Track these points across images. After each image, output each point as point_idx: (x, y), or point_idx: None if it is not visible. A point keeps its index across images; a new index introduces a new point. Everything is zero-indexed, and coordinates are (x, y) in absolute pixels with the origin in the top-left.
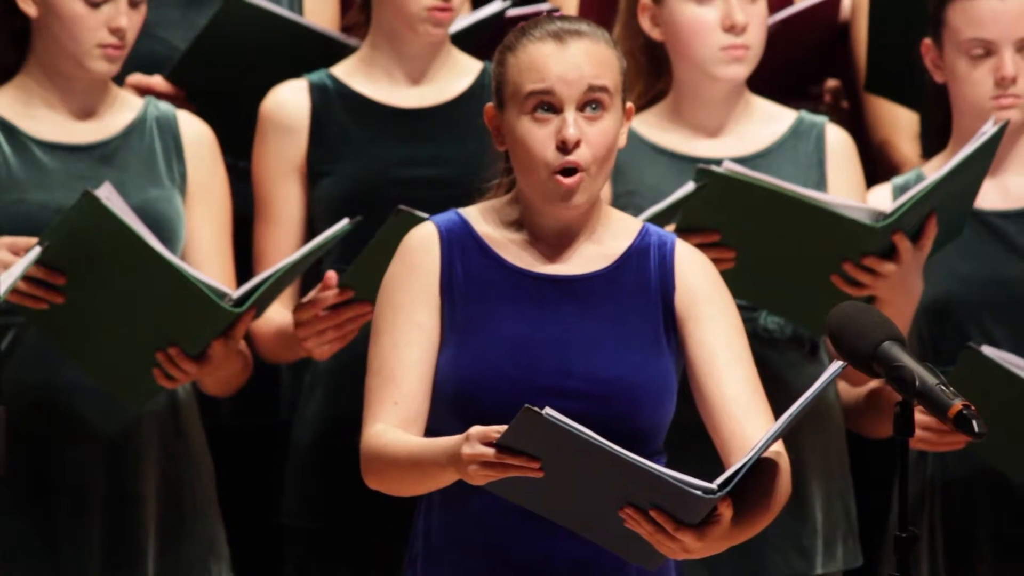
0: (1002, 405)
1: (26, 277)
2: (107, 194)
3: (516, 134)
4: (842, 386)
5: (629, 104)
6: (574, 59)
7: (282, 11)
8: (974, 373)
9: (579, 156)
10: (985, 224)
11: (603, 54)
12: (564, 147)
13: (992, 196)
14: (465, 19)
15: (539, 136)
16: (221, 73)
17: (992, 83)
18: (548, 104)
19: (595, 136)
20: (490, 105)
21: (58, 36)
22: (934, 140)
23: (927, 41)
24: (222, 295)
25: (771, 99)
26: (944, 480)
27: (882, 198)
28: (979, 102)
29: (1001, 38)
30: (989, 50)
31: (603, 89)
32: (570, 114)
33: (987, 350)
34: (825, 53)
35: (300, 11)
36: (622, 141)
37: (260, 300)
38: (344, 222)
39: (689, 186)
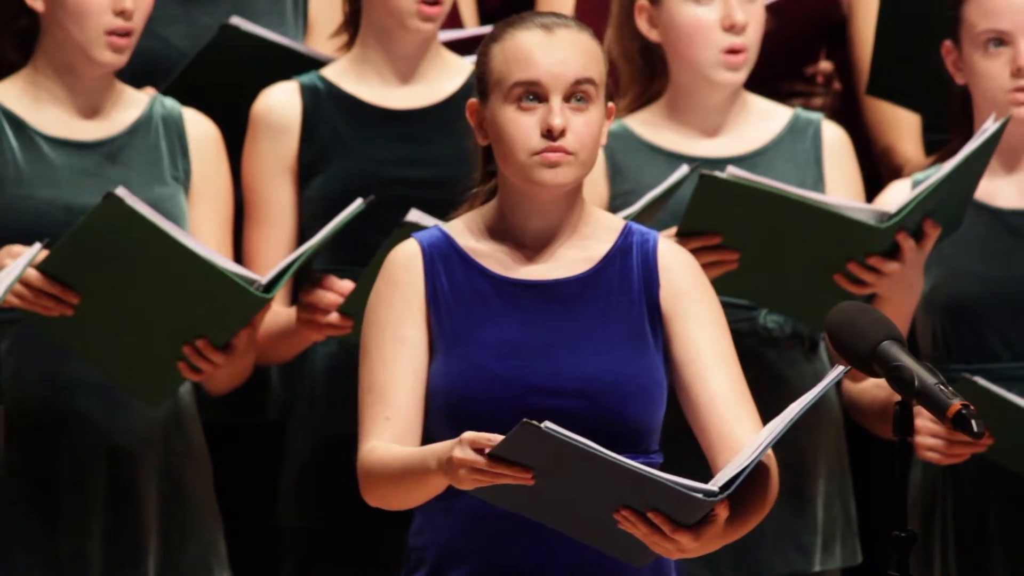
0: (1003, 432)
1: (34, 288)
2: (125, 194)
3: (499, 122)
4: (845, 382)
5: (610, 104)
6: (563, 51)
7: (278, 38)
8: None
9: (565, 143)
10: (1003, 222)
11: (590, 47)
12: (550, 135)
13: (1009, 194)
14: (465, 31)
15: (524, 123)
16: (216, 94)
17: (1008, 75)
18: (534, 94)
19: (581, 126)
20: (473, 100)
21: (65, 26)
22: (951, 140)
23: (947, 43)
24: (251, 282)
25: (765, 80)
26: (956, 477)
27: (902, 192)
28: (996, 95)
29: (1016, 28)
30: (1004, 41)
31: (590, 81)
32: (556, 103)
33: (981, 380)
34: (819, 35)
35: (305, 15)
36: (603, 139)
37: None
38: (358, 202)
39: (672, 179)
